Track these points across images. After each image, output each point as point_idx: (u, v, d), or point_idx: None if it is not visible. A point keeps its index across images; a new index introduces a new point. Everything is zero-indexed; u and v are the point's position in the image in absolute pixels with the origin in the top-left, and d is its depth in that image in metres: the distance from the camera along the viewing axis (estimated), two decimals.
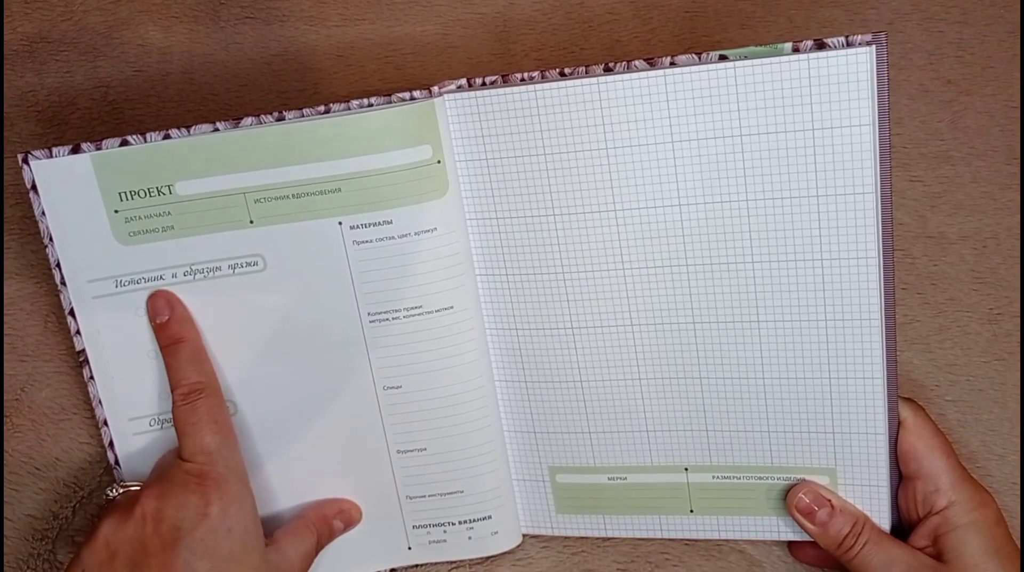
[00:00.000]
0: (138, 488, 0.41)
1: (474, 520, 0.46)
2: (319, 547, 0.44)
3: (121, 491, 0.42)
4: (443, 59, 0.54)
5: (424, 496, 0.46)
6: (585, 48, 0.54)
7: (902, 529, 0.43)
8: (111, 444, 0.45)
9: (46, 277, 0.50)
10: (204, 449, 0.41)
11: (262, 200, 0.42)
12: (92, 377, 0.44)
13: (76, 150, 0.42)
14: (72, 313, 0.44)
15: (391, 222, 0.42)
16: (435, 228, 0.43)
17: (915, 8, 0.53)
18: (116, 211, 0.42)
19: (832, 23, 0.53)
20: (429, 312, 0.43)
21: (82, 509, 0.48)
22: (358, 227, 0.42)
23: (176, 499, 0.39)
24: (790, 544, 0.46)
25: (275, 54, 0.54)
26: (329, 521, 0.45)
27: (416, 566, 0.48)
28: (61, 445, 0.49)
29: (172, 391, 0.42)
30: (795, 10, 0.53)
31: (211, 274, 0.43)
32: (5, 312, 0.50)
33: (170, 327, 0.43)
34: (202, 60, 0.54)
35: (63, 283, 0.43)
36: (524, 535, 0.48)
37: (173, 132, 0.42)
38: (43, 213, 0.43)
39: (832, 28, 0.53)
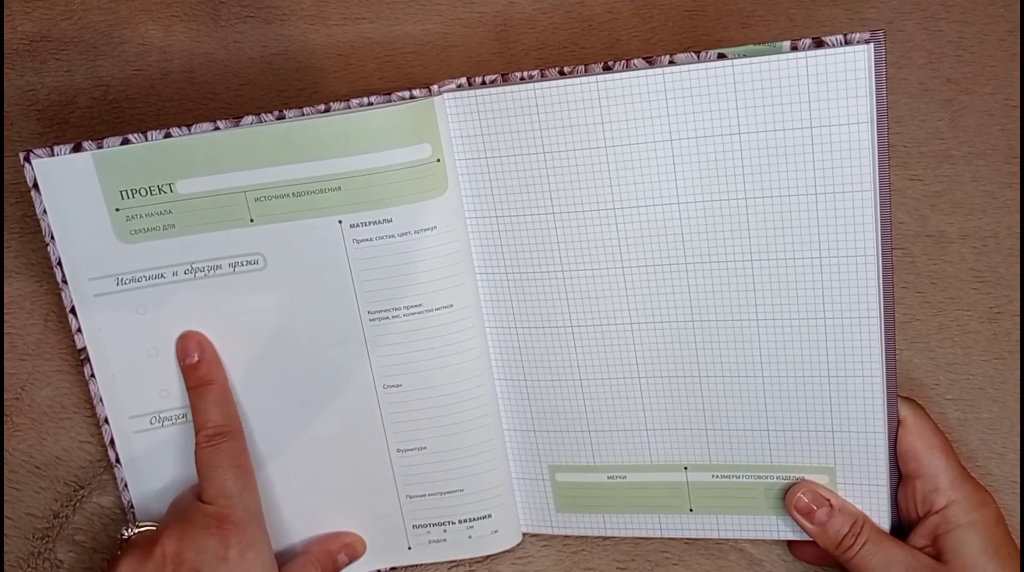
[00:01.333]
0: (154, 528, 0.42)
1: (474, 519, 0.46)
2: None
3: (137, 531, 0.42)
4: (443, 58, 0.54)
5: (424, 495, 0.46)
6: (585, 47, 0.54)
7: (901, 528, 0.43)
8: (112, 442, 0.45)
9: (47, 275, 0.51)
10: (225, 492, 0.41)
11: (262, 198, 0.42)
12: (93, 375, 0.44)
13: (77, 148, 0.42)
14: (73, 311, 0.44)
15: (391, 220, 0.42)
16: (435, 226, 0.43)
17: (915, 7, 0.53)
18: (117, 209, 0.43)
19: (832, 22, 0.53)
20: (429, 310, 0.43)
21: (82, 508, 0.48)
22: (358, 225, 0.42)
23: (195, 541, 0.40)
24: (790, 542, 0.46)
25: (275, 53, 0.54)
26: (334, 556, 0.45)
27: (416, 566, 0.48)
28: (61, 444, 0.49)
29: (196, 432, 0.43)
30: (795, 9, 0.53)
31: (211, 272, 0.43)
32: (5, 311, 0.50)
33: (200, 369, 0.43)
34: (202, 59, 0.54)
35: (64, 281, 0.43)
36: (524, 534, 0.48)
37: (174, 131, 0.42)
38: (44, 211, 0.43)
39: (832, 27, 0.53)
